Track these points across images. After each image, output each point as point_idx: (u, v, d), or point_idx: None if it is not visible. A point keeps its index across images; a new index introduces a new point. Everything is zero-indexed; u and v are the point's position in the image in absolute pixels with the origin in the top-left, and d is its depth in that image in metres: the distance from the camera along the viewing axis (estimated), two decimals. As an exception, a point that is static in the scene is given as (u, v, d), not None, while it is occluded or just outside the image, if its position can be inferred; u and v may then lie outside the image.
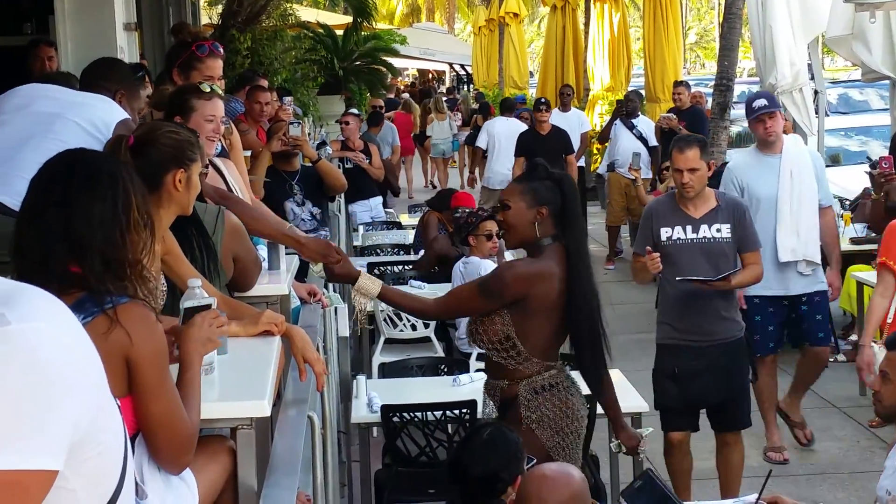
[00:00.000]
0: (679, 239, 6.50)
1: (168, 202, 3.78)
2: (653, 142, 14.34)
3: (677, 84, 15.30)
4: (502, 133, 15.57)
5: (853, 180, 11.29)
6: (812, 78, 12.07)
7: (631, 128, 14.44)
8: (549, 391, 4.93)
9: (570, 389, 5.02)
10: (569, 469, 3.80)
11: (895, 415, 4.58)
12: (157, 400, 2.75)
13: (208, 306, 3.22)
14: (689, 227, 6.49)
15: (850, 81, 24.40)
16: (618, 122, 14.56)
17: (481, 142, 16.29)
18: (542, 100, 14.81)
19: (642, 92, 16.73)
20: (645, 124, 14.74)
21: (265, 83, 9.52)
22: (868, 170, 9.54)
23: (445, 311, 5.56)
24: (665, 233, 6.52)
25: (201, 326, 3.11)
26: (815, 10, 11.18)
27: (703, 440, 7.36)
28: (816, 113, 11.81)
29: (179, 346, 3.08)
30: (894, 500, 4.30)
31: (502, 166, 15.01)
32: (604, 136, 14.77)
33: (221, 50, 5.79)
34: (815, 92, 12.08)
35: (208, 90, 5.05)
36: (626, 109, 14.61)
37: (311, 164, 8.50)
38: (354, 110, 15.17)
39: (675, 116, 14.12)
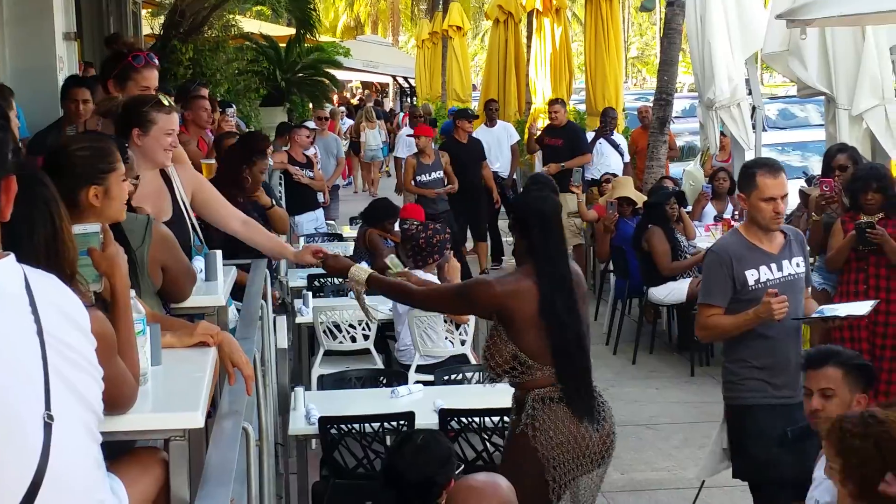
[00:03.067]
0: (768, 280, 5.65)
1: (91, 216, 3.77)
2: (627, 158, 14.92)
3: (552, 102, 15.31)
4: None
5: (792, 195, 11.41)
6: (750, 93, 12.21)
7: (615, 145, 14.80)
8: (556, 403, 4.99)
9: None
10: (496, 479, 3.82)
11: None
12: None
13: (96, 232, 3.25)
14: (773, 266, 5.70)
15: (789, 97, 24.65)
16: (603, 141, 14.76)
17: (401, 152, 17.60)
18: (468, 111, 15.85)
19: (647, 104, 16.86)
20: (621, 141, 15.27)
21: (205, 92, 9.50)
22: (803, 185, 9.67)
23: (425, 302, 5.76)
24: (752, 276, 5.64)
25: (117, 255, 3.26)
26: (752, 26, 11.33)
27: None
28: (754, 128, 11.97)
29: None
30: None
31: None
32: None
33: (157, 61, 5.78)
34: (753, 107, 12.23)
35: (167, 104, 5.06)
36: (609, 128, 14.84)
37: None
38: (310, 124, 15.13)
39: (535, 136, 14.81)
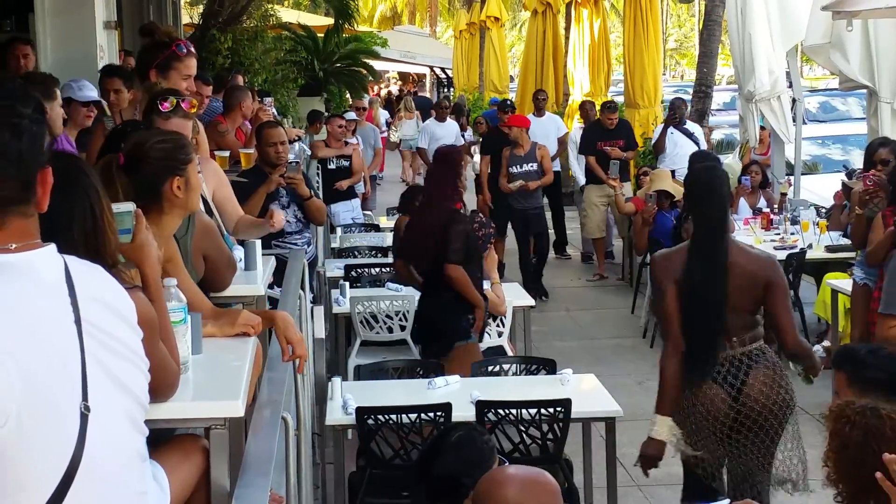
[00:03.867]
0: None
1: (171, 208, 3.90)
2: (703, 147, 13.92)
3: (607, 109, 14.89)
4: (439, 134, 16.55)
5: (831, 189, 11.34)
6: (790, 86, 12.14)
7: (689, 135, 14.08)
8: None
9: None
10: (528, 471, 3.71)
11: None
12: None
13: (129, 212, 3.26)
14: None
15: (829, 90, 24.49)
16: (673, 130, 14.16)
17: (422, 142, 17.11)
18: (508, 102, 15.19)
19: (685, 97, 16.34)
20: (696, 130, 14.39)
21: (240, 79, 9.53)
22: (844, 179, 9.60)
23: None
24: None
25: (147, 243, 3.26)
26: (793, 18, 11.26)
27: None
28: (794, 121, 11.89)
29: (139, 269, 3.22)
30: None
31: None
32: (659, 145, 14.22)
33: (193, 49, 5.83)
34: (793, 100, 12.16)
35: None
36: (677, 116, 14.16)
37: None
38: (351, 114, 15.11)
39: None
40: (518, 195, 13.00)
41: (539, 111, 15.43)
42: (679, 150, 13.84)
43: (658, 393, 5.50)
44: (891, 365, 4.46)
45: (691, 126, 14.28)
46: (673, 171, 13.67)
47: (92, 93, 7.44)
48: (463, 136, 17.07)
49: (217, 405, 3.22)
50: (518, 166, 13.05)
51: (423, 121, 20.12)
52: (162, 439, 3.29)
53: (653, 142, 14.40)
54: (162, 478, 3.01)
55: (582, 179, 14.48)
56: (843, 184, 9.44)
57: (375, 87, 36.22)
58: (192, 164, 3.96)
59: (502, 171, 13.16)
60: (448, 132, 16.27)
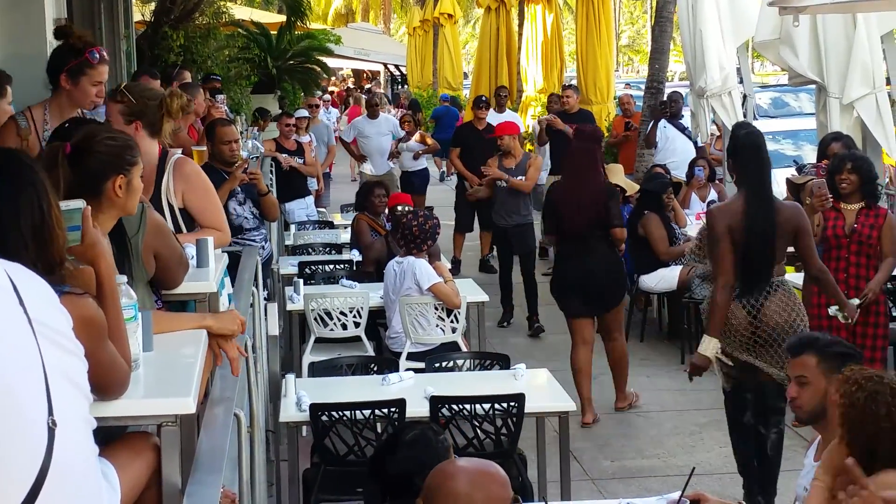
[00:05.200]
0: None
1: (109, 207, 3.85)
2: (700, 141, 13.72)
3: (565, 87, 15.14)
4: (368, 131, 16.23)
5: (783, 184, 11.44)
6: (741, 82, 12.22)
7: (682, 129, 13.97)
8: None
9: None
10: (475, 462, 3.70)
11: (816, 417, 4.67)
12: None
13: (79, 209, 3.24)
14: None
15: (780, 86, 24.67)
16: (666, 124, 14.03)
17: (348, 136, 16.68)
18: (482, 97, 15.03)
19: (682, 91, 16.21)
20: (689, 124, 13.93)
21: (187, 75, 9.50)
22: (793, 174, 9.67)
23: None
24: None
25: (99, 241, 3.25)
26: (744, 14, 11.34)
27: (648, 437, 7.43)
28: (745, 116, 11.97)
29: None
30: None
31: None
32: (650, 139, 14.15)
33: (106, 55, 5.82)
34: (744, 96, 12.25)
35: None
36: (670, 111, 13.97)
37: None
38: (304, 112, 15.08)
39: (553, 117, 14.04)
40: (501, 210, 11.73)
41: (500, 107, 15.45)
42: (671, 145, 13.83)
43: (710, 318, 6.51)
44: (841, 343, 4.88)
45: (685, 120, 14.10)
46: (665, 166, 13.66)
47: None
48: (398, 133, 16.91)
49: (168, 402, 3.21)
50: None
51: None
52: (113, 437, 3.28)
53: (643, 135, 14.34)
54: (112, 476, 3.00)
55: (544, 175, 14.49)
56: (788, 180, 9.53)
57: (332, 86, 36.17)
58: (137, 167, 3.93)
59: (486, 179, 11.92)
60: (378, 129, 16.16)
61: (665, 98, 14.29)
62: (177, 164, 5.62)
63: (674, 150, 13.72)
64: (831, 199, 7.87)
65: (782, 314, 6.36)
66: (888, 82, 10.48)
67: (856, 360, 4.47)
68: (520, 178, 11.54)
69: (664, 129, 13.91)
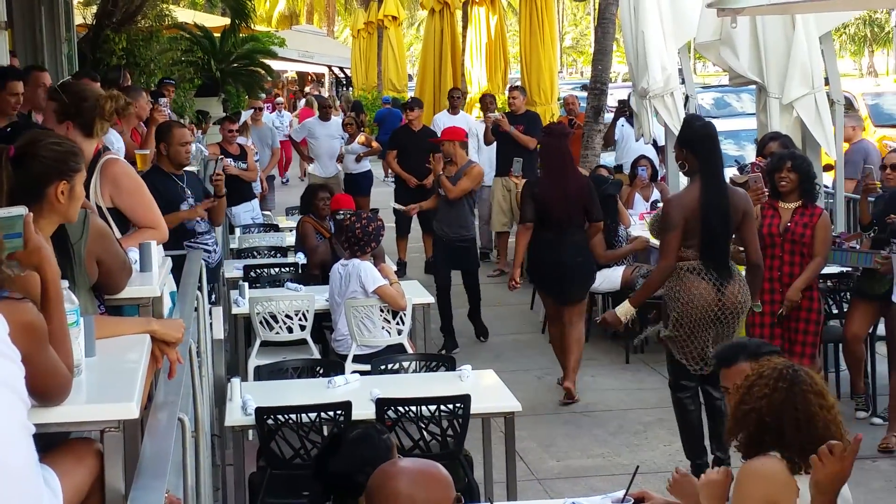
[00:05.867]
0: None
1: (49, 213, 3.83)
2: (662, 142, 13.23)
3: (512, 88, 15.25)
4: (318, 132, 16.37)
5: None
6: (683, 82, 12.31)
7: None
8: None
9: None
10: (417, 463, 3.72)
11: None
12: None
13: (20, 216, 3.22)
14: None
15: (722, 86, 24.85)
16: (624, 123, 13.99)
17: (297, 136, 16.95)
18: (414, 99, 15.13)
19: (580, 95, 16.21)
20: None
21: (128, 78, 9.48)
22: (735, 174, 9.76)
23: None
24: None
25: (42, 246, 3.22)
26: (685, 16, 11.41)
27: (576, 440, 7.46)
28: (687, 117, 12.06)
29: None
30: None
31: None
32: (609, 138, 14.20)
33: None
34: (686, 96, 12.33)
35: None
36: (629, 110, 13.52)
37: (194, 170, 8.48)
38: (244, 115, 15.07)
39: (501, 116, 14.04)
40: (444, 220, 11.05)
41: (454, 109, 15.46)
42: (626, 144, 13.85)
43: (639, 291, 7.36)
44: (767, 345, 5.04)
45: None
46: (620, 165, 13.68)
47: (121, 145, 7.80)
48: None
49: (111, 407, 3.19)
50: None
51: None
52: (54, 444, 3.26)
53: (586, 136, 14.37)
54: (54, 482, 2.99)
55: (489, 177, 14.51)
56: (731, 179, 9.62)
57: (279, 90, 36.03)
58: (80, 174, 3.93)
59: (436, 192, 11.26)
60: (329, 131, 16.23)
61: (627, 97, 14.22)
62: (104, 166, 5.61)
63: (628, 150, 13.77)
64: (767, 193, 7.97)
65: (740, 295, 6.93)
66: (827, 83, 10.61)
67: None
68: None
69: (622, 129, 13.97)
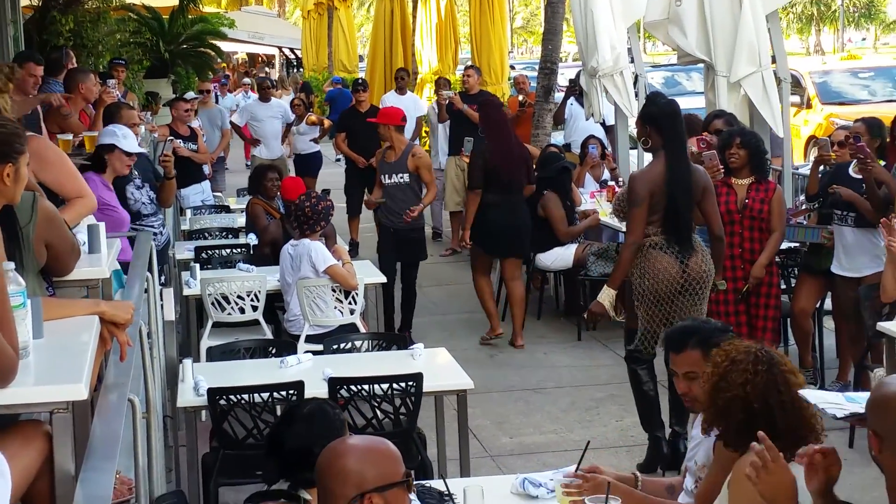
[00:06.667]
0: None
1: None
2: (610, 121, 13.09)
3: (467, 68, 15.30)
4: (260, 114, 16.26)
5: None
6: (632, 61, 12.36)
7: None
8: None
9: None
10: (366, 439, 3.71)
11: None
12: None
13: None
14: None
15: (672, 65, 24.98)
16: (573, 102, 13.92)
17: (240, 120, 16.63)
18: (360, 80, 15.30)
19: (531, 74, 16.16)
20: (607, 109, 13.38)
21: (72, 57, 9.43)
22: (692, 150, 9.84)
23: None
24: None
25: None
26: (634, -6, 11.46)
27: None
28: (637, 96, 12.12)
29: None
30: (702, 470, 4.44)
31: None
32: (559, 117, 14.12)
33: None
34: (636, 75, 12.39)
35: None
36: (578, 89, 13.52)
37: (144, 152, 8.44)
38: (191, 94, 14.96)
39: (454, 94, 14.03)
40: (389, 208, 10.33)
41: (401, 90, 15.45)
42: (574, 123, 13.83)
43: (614, 271, 7.26)
44: (720, 329, 4.83)
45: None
46: (569, 144, 13.67)
47: (135, 143, 7.85)
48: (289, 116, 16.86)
49: (59, 389, 3.18)
50: (388, 175, 10.33)
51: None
52: (3, 427, 3.25)
53: (536, 115, 14.34)
54: (2, 465, 2.97)
55: (443, 159, 14.53)
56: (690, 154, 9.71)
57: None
58: (24, 155, 3.90)
59: (376, 176, 10.55)
60: (271, 113, 16.18)
61: (576, 76, 14.21)
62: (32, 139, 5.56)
63: (576, 129, 13.79)
64: (723, 170, 8.04)
65: (704, 265, 7.03)
66: (773, 61, 10.70)
67: (731, 338, 4.44)
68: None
69: (570, 107, 13.97)
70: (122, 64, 13.33)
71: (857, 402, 3.48)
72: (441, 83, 15.38)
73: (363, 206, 10.95)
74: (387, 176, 10.28)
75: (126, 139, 7.67)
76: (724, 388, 3.87)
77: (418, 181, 10.30)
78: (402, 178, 10.22)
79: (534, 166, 10.61)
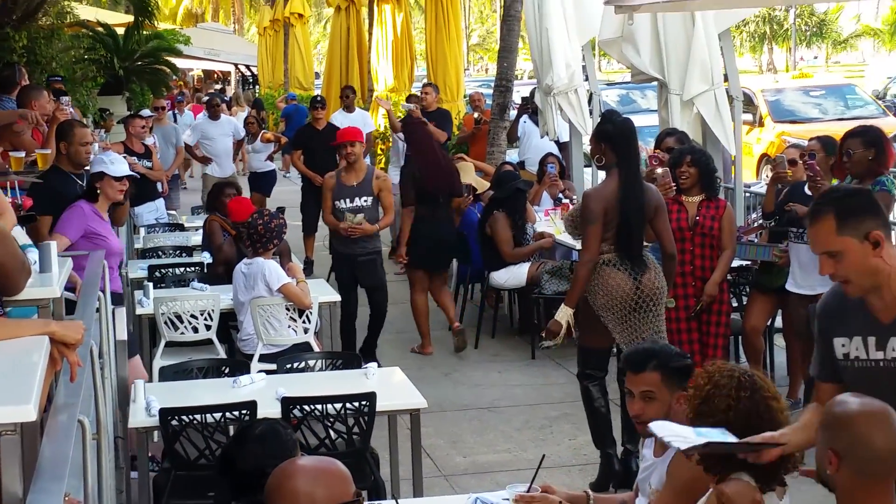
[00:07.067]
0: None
1: None
2: (564, 138, 13.02)
3: (425, 85, 15.43)
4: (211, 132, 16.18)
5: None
6: (587, 79, 12.43)
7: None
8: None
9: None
10: (317, 461, 3.71)
11: None
12: None
13: None
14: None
15: (626, 83, 25.12)
16: (527, 120, 13.92)
17: (191, 140, 16.19)
18: (318, 97, 15.33)
19: (486, 92, 16.24)
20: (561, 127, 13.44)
21: (25, 74, 9.36)
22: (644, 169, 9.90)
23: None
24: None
25: None
26: (588, 13, 11.53)
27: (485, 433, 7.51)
28: (592, 114, 12.19)
29: None
30: (656, 494, 4.43)
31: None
32: (512, 134, 14.13)
33: None
34: (591, 93, 12.46)
35: None
36: (531, 107, 13.56)
37: (135, 175, 8.41)
38: (146, 111, 14.88)
39: (415, 108, 13.99)
40: (343, 239, 9.94)
41: (348, 108, 15.46)
42: (528, 141, 13.79)
43: (571, 290, 7.29)
44: (680, 354, 4.79)
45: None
46: (522, 162, 13.67)
47: (125, 167, 7.81)
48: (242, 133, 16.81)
49: (7, 410, 3.15)
50: (346, 200, 9.84)
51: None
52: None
53: (492, 133, 14.35)
54: (-51, 487, 2.95)
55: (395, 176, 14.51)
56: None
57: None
58: None
59: (325, 202, 10.01)
60: (222, 130, 16.13)
61: (530, 94, 14.24)
62: None
63: (530, 147, 13.79)
64: (674, 187, 8.09)
65: (657, 281, 7.13)
66: (726, 79, 10.79)
67: (692, 374, 4.28)
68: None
69: (524, 125, 13.99)
70: (58, 80, 13.24)
71: (705, 436, 3.69)
72: (412, 99, 15.43)
73: (343, 231, 9.78)
74: (347, 200, 9.78)
75: (114, 164, 7.63)
76: (706, 413, 3.83)
77: (377, 204, 9.86)
78: (365, 201, 9.79)
79: (488, 182, 11.12)
